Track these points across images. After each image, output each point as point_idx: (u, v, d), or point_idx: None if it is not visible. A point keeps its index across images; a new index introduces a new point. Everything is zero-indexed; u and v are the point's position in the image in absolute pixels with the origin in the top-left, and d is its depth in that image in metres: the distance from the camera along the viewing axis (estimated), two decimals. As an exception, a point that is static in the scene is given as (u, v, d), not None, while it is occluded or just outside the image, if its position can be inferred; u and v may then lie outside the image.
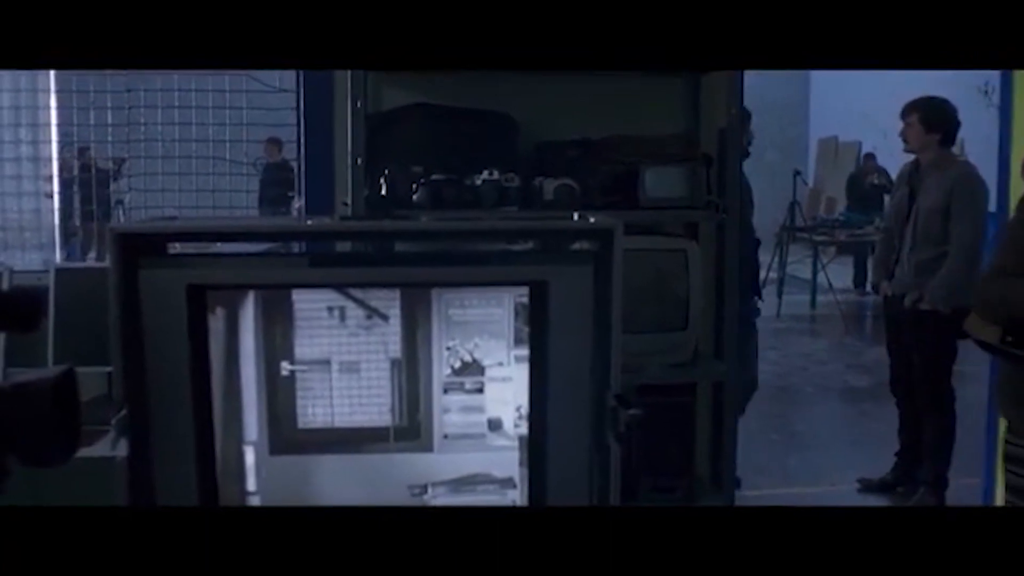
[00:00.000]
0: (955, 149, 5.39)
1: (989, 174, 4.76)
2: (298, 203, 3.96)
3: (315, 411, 2.03)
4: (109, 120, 4.89)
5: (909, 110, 5.15)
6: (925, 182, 5.14)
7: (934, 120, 5.13)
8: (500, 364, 2.04)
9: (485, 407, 2.06)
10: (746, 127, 5.23)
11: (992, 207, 4.77)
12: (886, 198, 9.43)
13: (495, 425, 2.06)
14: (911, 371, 5.28)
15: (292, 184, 4.71)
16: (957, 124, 5.21)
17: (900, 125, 5.28)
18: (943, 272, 5.02)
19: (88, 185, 6.14)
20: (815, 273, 11.84)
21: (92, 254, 6.16)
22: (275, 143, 7.34)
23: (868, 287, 5.96)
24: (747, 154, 5.34)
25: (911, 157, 5.32)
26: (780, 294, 11.37)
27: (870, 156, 14.84)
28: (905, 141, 5.19)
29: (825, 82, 18.94)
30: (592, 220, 2.06)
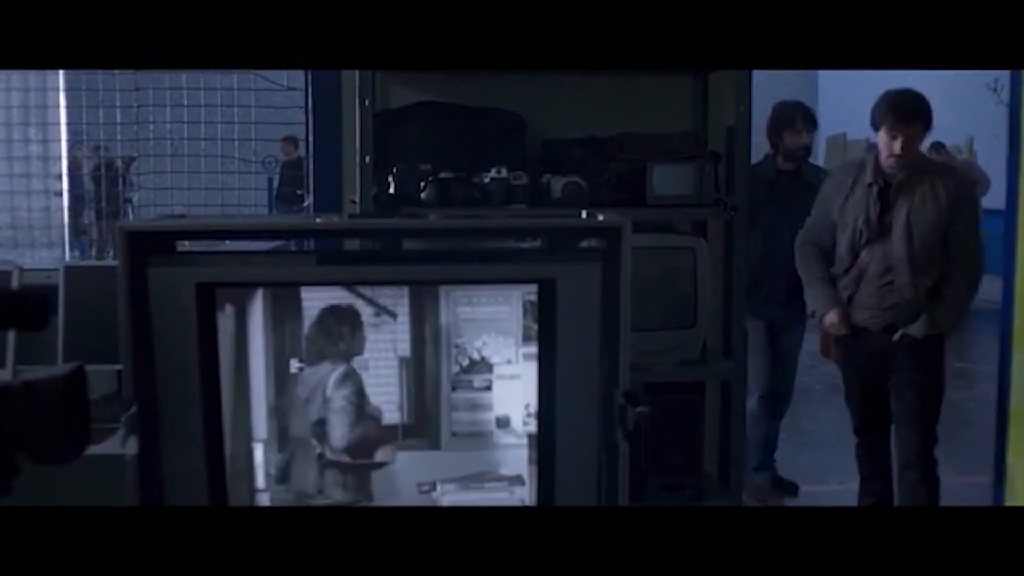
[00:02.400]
0: (962, 147, 5.28)
1: (998, 172, 4.72)
2: (307, 201, 3.97)
3: (324, 408, 2.03)
4: (118, 119, 4.90)
5: (908, 119, 4.01)
6: (911, 191, 4.06)
7: (930, 118, 4.08)
8: (508, 362, 2.04)
9: (493, 405, 2.06)
10: (808, 131, 4.96)
11: (1000, 204, 4.72)
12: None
13: (503, 423, 2.06)
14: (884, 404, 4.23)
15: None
16: None
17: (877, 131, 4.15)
18: (958, 293, 4.10)
19: (104, 183, 6.16)
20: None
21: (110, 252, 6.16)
22: (291, 141, 7.34)
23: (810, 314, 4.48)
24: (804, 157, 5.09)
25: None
26: (788, 291, 11.35)
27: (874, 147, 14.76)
28: (903, 153, 4.00)
29: (833, 79, 18.88)
30: (600, 218, 2.06)
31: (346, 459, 2.03)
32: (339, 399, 2.01)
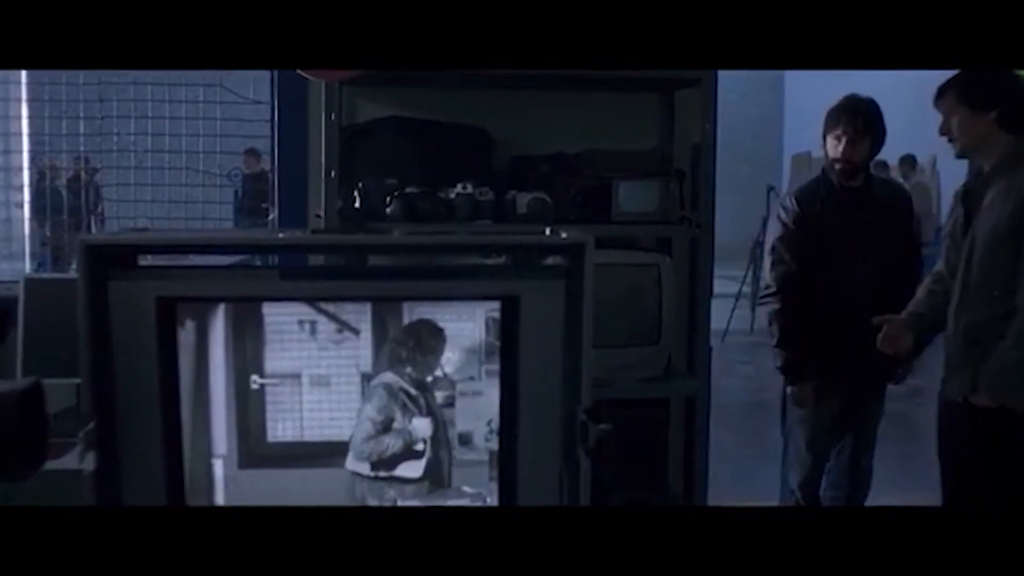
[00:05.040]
0: (924, 165, 4.97)
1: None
2: (272, 215, 3.95)
3: (285, 425, 2.02)
4: (81, 130, 4.85)
5: (942, 91, 3.25)
6: (988, 194, 3.19)
7: (981, 93, 3.17)
8: (471, 378, 2.04)
9: (456, 421, 2.06)
10: (853, 140, 3.71)
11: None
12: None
13: (465, 439, 2.06)
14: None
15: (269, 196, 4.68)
16: (1022, 97, 3.22)
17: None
18: (1009, 341, 3.08)
19: (77, 195, 6.11)
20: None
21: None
22: (253, 154, 7.30)
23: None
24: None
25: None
26: (753, 307, 11.42)
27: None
28: (949, 140, 3.28)
29: (798, 98, 19.06)
30: (564, 235, 2.06)
31: (365, 471, 2.04)
32: (362, 413, 2.03)
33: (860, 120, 3.70)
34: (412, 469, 2.05)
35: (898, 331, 3.39)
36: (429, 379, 2.03)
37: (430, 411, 2.04)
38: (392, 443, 2.03)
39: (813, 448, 3.89)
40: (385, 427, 2.03)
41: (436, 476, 2.06)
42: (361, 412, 2.02)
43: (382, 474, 2.04)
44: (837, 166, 3.73)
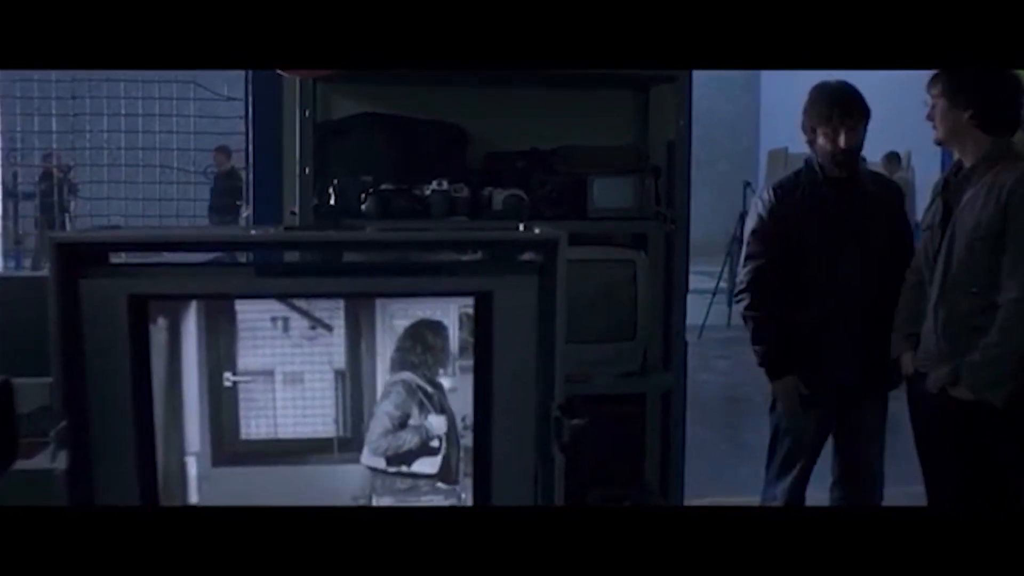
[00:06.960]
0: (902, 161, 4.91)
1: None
2: (246, 212, 3.93)
3: (258, 422, 2.01)
4: (54, 128, 4.82)
5: (932, 79, 3.28)
6: (966, 192, 3.23)
7: (960, 90, 3.19)
8: (445, 375, 2.04)
9: (431, 418, 2.06)
10: (849, 128, 3.56)
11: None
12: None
13: (440, 436, 2.06)
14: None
15: (241, 192, 4.66)
16: (1000, 99, 3.21)
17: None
18: (992, 338, 3.11)
19: (49, 193, 6.07)
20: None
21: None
22: (224, 151, 7.28)
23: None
24: None
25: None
26: (730, 303, 11.47)
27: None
28: (933, 126, 3.30)
29: (775, 94, 19.13)
30: (537, 231, 2.07)
31: (381, 465, 2.04)
32: (379, 409, 2.03)
33: (855, 106, 3.57)
34: (428, 465, 2.05)
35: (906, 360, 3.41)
36: (440, 375, 2.04)
37: (444, 409, 2.04)
38: (409, 439, 2.03)
39: (798, 459, 3.74)
40: (402, 423, 2.03)
41: (449, 472, 2.06)
42: (378, 408, 2.02)
43: (399, 469, 2.05)
44: (839, 158, 3.56)
